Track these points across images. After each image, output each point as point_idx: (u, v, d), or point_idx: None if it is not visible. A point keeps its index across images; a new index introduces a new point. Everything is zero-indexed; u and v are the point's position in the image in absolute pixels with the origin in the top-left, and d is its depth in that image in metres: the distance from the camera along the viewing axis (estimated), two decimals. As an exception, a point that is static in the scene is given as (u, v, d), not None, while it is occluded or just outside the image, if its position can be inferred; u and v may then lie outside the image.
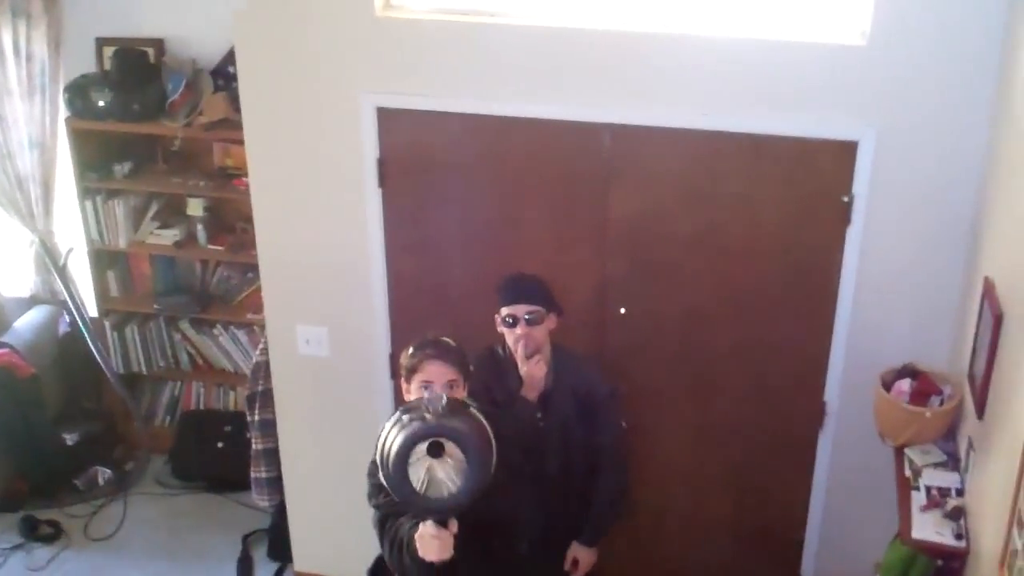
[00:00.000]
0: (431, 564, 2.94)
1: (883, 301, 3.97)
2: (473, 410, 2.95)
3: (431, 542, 2.89)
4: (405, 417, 2.87)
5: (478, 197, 4.23)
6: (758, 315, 4.13)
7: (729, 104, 3.82)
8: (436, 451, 2.79)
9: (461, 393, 3.30)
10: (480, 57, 3.97)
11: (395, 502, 3.01)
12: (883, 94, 3.69)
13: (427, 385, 3.26)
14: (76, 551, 5.43)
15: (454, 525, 2.90)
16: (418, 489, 2.81)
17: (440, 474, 2.81)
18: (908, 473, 3.57)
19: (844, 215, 3.86)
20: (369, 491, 3.30)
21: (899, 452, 3.68)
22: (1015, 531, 2.65)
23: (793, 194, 3.92)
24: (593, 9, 3.91)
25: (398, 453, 2.80)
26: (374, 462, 3.12)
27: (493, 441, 2.88)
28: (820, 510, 4.39)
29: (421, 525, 2.92)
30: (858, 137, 3.75)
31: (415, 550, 2.95)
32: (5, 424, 5.57)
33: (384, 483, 2.90)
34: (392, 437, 2.84)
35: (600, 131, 3.96)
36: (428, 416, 2.83)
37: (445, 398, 2.89)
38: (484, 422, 2.90)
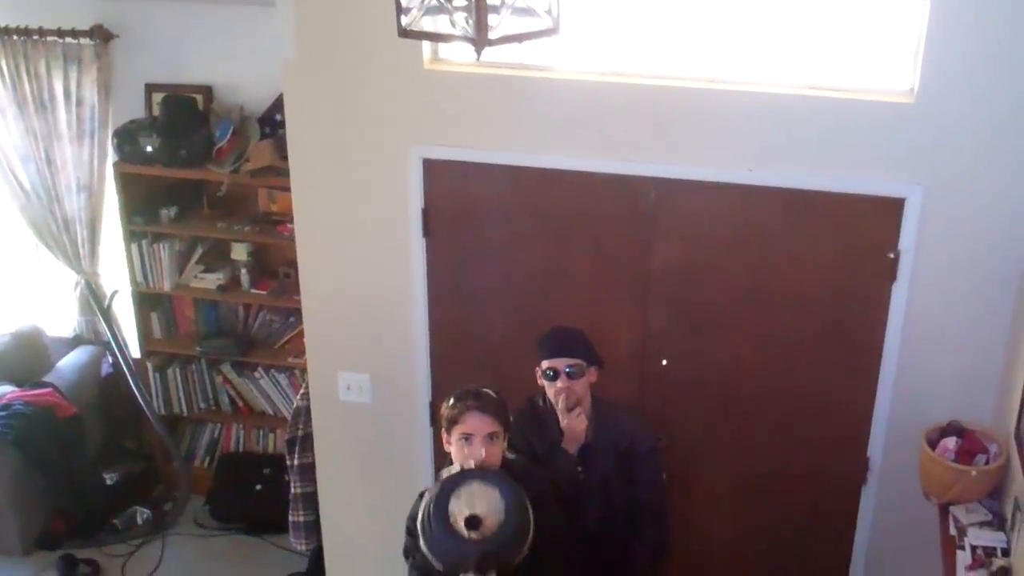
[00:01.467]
0: None
1: (928, 357, 3.95)
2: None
3: None
4: (442, 475, 3.04)
5: (521, 248, 4.24)
6: (801, 369, 4.12)
7: (774, 160, 3.82)
8: (473, 523, 2.88)
9: (501, 445, 3.31)
10: (525, 110, 4.00)
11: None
12: (930, 151, 3.68)
13: (467, 437, 3.26)
14: (114, 591, 5.46)
15: None
16: (459, 532, 2.87)
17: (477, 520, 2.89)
18: (953, 532, 3.53)
19: (890, 271, 3.85)
20: (406, 545, 3.29)
21: (943, 510, 3.65)
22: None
23: (838, 249, 3.91)
24: (639, 64, 3.93)
25: (437, 500, 2.89)
26: (412, 517, 3.16)
27: (527, 504, 2.97)
28: (862, 567, 4.34)
29: None
30: (905, 194, 3.74)
31: None
32: (45, 463, 5.62)
33: (424, 546, 2.96)
34: (429, 498, 2.96)
35: (645, 184, 3.98)
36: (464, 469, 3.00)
37: (478, 437, 3.19)
38: (518, 487, 3.01)
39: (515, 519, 2.91)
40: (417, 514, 3.06)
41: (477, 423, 3.27)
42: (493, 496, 2.94)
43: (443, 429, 3.36)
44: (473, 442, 3.23)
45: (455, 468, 3.16)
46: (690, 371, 4.23)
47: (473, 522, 2.87)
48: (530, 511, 2.95)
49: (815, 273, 3.96)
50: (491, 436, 3.27)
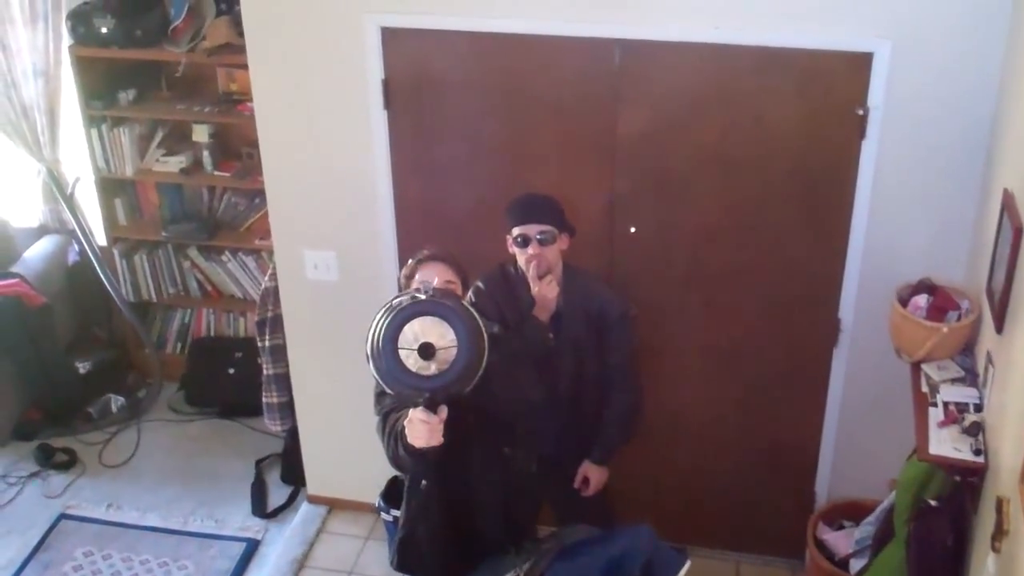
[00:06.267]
0: (423, 454, 2.93)
1: (899, 215, 3.91)
2: (464, 303, 2.97)
3: (420, 427, 2.86)
4: (395, 302, 2.89)
5: (486, 117, 4.15)
6: (771, 232, 4.08)
7: (740, 16, 3.72)
8: (426, 352, 2.80)
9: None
10: (484, -29, 3.87)
11: (395, 402, 3.05)
12: (898, 4, 3.58)
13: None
14: (91, 478, 5.46)
15: (443, 411, 2.87)
16: (409, 367, 2.80)
17: (432, 349, 2.82)
18: (925, 389, 3.52)
19: (859, 128, 3.78)
20: (375, 399, 3.27)
21: (916, 368, 3.63)
22: (1035, 444, 2.62)
23: (806, 108, 3.84)
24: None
25: (387, 329, 2.80)
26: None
27: (483, 328, 2.88)
28: (834, 428, 4.37)
29: (411, 411, 2.89)
30: (873, 49, 3.65)
31: (407, 439, 2.93)
32: (17, 354, 5.58)
33: (374, 372, 2.88)
34: (382, 320, 2.85)
35: (609, 46, 3.87)
36: (419, 295, 2.86)
37: (436, 281, 3.03)
38: (473, 312, 2.91)
39: (467, 351, 2.82)
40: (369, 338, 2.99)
41: (433, 271, 3.29)
42: (444, 329, 2.84)
43: (402, 289, 3.33)
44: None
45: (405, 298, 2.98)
46: (659, 238, 4.19)
47: (426, 351, 2.80)
48: (485, 339, 2.89)
49: (784, 133, 3.89)
50: (448, 284, 3.25)
